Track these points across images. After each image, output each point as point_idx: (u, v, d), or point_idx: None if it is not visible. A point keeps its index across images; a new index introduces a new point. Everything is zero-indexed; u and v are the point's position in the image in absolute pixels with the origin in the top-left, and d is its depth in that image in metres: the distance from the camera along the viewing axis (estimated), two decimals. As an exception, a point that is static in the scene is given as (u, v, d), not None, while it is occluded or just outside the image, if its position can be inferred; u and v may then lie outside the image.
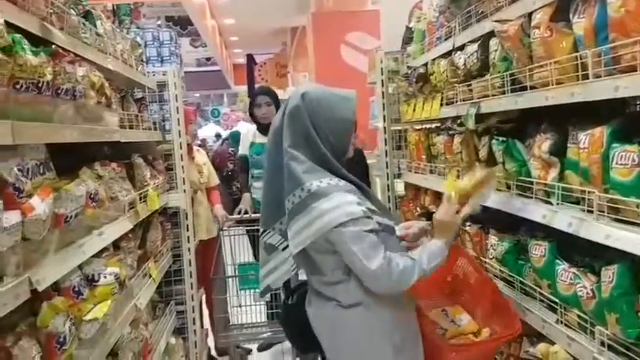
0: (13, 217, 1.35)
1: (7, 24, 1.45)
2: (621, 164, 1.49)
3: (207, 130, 18.06)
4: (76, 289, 1.87)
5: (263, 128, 4.31)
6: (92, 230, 2.07)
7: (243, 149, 4.51)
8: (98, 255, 2.18)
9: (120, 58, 2.73)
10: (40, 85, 1.55)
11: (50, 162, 1.86)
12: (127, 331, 2.49)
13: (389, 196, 3.97)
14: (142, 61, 3.35)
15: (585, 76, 1.64)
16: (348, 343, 1.95)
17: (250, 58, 14.75)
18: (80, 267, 1.99)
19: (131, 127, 2.86)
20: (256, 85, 13.32)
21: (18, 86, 1.41)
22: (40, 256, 1.55)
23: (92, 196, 2.07)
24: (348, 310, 1.94)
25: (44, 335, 1.59)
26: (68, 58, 1.80)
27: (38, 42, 1.69)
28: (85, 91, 2.00)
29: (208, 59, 16.17)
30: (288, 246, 1.94)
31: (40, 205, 1.49)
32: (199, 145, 6.61)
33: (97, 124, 2.14)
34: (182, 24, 11.54)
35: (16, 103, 1.41)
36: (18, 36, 1.41)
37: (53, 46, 1.72)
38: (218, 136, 15.58)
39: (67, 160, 2.17)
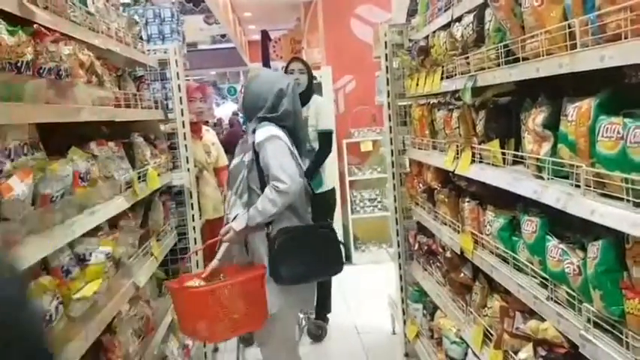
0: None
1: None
2: (606, 137, 1.45)
3: (225, 109, 18.06)
4: (65, 268, 1.89)
5: None
6: (83, 209, 2.08)
7: None
8: (93, 234, 2.20)
9: (114, 37, 2.72)
10: (19, 64, 1.54)
11: (39, 142, 1.87)
12: (126, 308, 2.52)
13: (394, 173, 3.94)
14: (140, 39, 3.33)
15: (574, 47, 1.59)
16: None
17: (265, 35, 14.64)
18: (71, 246, 2.01)
19: (128, 107, 2.85)
20: (271, 62, 13.26)
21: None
22: (23, 235, 1.56)
23: (82, 175, 2.08)
24: None
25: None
26: (51, 37, 1.79)
27: (24, 22, 1.69)
28: (72, 70, 2.00)
29: (223, 36, 16.09)
30: None
31: (18, 185, 1.49)
32: (214, 124, 6.63)
33: (84, 104, 2.13)
34: (195, 1, 11.48)
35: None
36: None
37: (35, 26, 1.71)
38: (236, 114, 15.57)
39: (64, 140, 2.19)
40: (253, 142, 2.69)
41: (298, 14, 13.30)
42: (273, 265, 2.62)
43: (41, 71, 1.72)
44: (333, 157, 4.58)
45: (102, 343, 2.15)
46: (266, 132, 2.70)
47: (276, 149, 2.67)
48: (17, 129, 1.67)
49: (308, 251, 2.69)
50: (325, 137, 4.35)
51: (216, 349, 4.34)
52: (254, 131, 2.73)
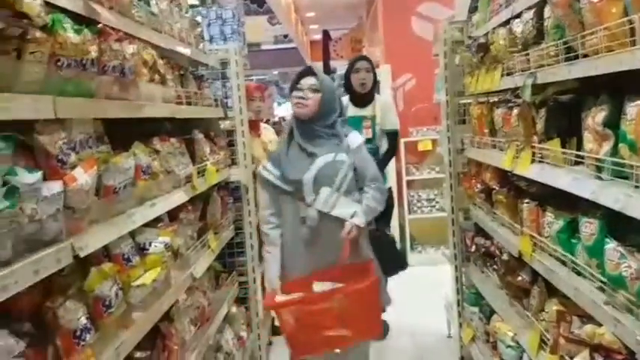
0: (54, 186, 1.44)
1: (52, 5, 1.54)
2: (667, 136, 1.40)
3: (287, 108, 18.22)
4: (126, 256, 1.98)
5: (358, 97, 4.33)
6: (144, 201, 2.16)
7: None
8: (153, 225, 2.29)
9: (177, 37, 2.82)
10: (84, 62, 1.62)
11: (104, 136, 1.97)
12: (183, 297, 2.60)
13: (451, 172, 3.90)
14: (202, 39, 3.43)
15: (634, 43, 1.54)
16: None
17: (326, 34, 14.71)
18: (132, 236, 2.10)
19: (189, 104, 2.95)
20: (331, 62, 13.31)
21: (59, 63, 1.49)
22: (86, 224, 1.65)
23: (144, 168, 2.17)
24: None
25: (92, 298, 1.70)
26: (115, 36, 1.88)
27: (89, 22, 1.78)
28: (136, 69, 2.08)
29: (285, 36, 16.26)
30: None
31: (82, 176, 1.58)
32: (273, 123, 6.70)
33: (148, 101, 2.22)
34: (259, 1, 11.65)
35: (58, 80, 1.50)
36: (58, 15, 1.49)
37: (100, 25, 1.80)
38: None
39: (128, 136, 2.29)
40: (347, 145, 2.84)
41: (360, 13, 13.31)
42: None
43: (106, 69, 1.81)
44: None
45: (159, 329, 2.24)
46: (358, 136, 2.94)
47: (367, 153, 2.96)
48: (83, 123, 1.76)
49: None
50: (393, 137, 4.39)
51: (270, 343, 4.41)
52: (345, 134, 2.88)
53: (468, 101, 3.78)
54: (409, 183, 6.74)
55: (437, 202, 6.64)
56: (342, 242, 2.69)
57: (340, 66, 13.36)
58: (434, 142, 6.52)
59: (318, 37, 16.88)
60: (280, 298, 2.66)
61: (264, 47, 16.71)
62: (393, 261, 3.06)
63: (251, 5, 11.91)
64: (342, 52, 14.15)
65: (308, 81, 2.80)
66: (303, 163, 2.78)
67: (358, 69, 4.28)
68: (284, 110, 17.29)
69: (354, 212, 2.75)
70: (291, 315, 2.51)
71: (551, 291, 2.51)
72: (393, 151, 4.39)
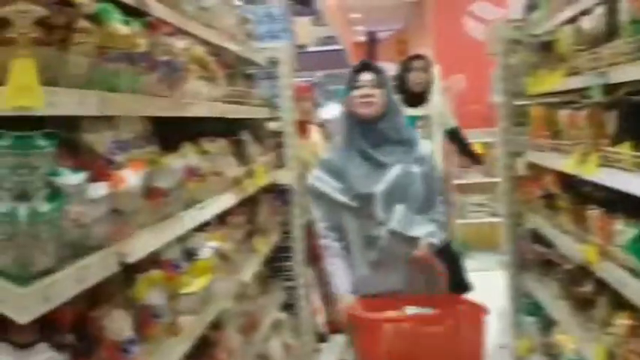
0: (100, 188, 1.35)
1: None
2: None
3: (332, 110, 18.15)
4: (175, 262, 1.89)
5: (412, 97, 4.23)
6: (193, 204, 2.07)
7: None
8: (201, 229, 2.20)
9: (227, 33, 2.73)
10: (132, 55, 1.54)
11: (152, 136, 1.88)
12: (231, 304, 2.51)
13: (507, 176, 3.78)
14: (252, 37, 3.35)
15: None
16: None
17: (371, 36, 14.60)
18: (180, 240, 2.01)
19: (239, 104, 2.86)
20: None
21: (107, 56, 1.40)
22: (133, 228, 1.55)
23: (193, 170, 2.08)
24: None
25: (139, 307, 1.61)
26: (165, 30, 1.79)
27: (138, 14, 1.69)
28: (186, 65, 2.00)
29: (330, 38, 16.19)
30: None
31: (131, 177, 1.49)
32: (319, 125, 6.64)
33: (196, 99, 2.13)
34: (304, 2, 11.59)
35: (105, 74, 1.41)
36: (106, 5, 1.41)
37: (149, 18, 1.71)
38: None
39: (177, 136, 2.20)
40: (419, 153, 2.54)
41: (406, 15, 13.15)
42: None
43: (155, 64, 1.72)
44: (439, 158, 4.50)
45: (207, 338, 2.15)
46: (427, 143, 2.70)
47: (436, 162, 2.72)
48: (131, 121, 1.67)
49: None
50: (455, 135, 4.40)
51: (317, 350, 4.30)
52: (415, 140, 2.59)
53: (526, 103, 3.63)
54: (459, 187, 6.57)
55: (488, 207, 6.47)
56: (416, 263, 2.41)
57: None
58: (485, 144, 6.37)
59: (363, 38, 16.81)
60: (368, 314, 2.37)
61: (308, 49, 16.70)
62: (457, 281, 2.73)
63: (296, 6, 11.86)
64: (388, 54, 14.02)
65: (367, 76, 2.49)
66: (372, 174, 2.44)
67: (415, 68, 4.24)
68: (328, 112, 17.24)
69: (431, 231, 2.43)
70: (395, 334, 2.22)
71: (620, 303, 2.35)
72: (465, 148, 4.36)
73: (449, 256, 2.66)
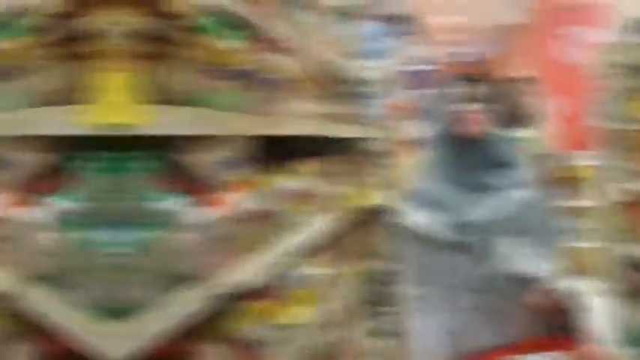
0: (204, 213, 1.26)
1: (203, 8, 1.38)
2: None
3: (425, 130, 17.92)
4: (277, 290, 1.78)
5: (513, 118, 4.15)
6: (296, 227, 1.97)
7: None
8: (303, 254, 2.08)
9: (329, 51, 2.65)
10: (233, 72, 1.45)
11: (256, 155, 1.79)
12: (327, 332, 2.37)
13: (609, 201, 3.53)
14: (353, 55, 3.27)
15: None
16: None
17: (468, 57, 14.27)
18: (283, 265, 1.90)
19: (342, 122, 2.76)
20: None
21: (209, 72, 1.32)
22: (236, 255, 1.45)
23: (298, 192, 1.98)
24: None
25: (238, 341, 1.50)
26: (270, 46, 1.71)
27: (242, 29, 1.62)
28: (286, 82, 1.91)
29: (426, 58, 16.01)
30: None
31: (236, 200, 1.39)
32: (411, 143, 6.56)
33: (295, 117, 2.04)
34: (402, 22, 11.49)
35: (209, 91, 1.33)
36: (210, 18, 1.33)
37: (250, 32, 1.63)
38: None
39: (277, 154, 2.12)
40: (524, 177, 2.31)
41: (501, 38, 12.85)
42: None
43: (259, 81, 1.64)
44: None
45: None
46: (528, 165, 2.50)
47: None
48: (232, 140, 1.58)
49: None
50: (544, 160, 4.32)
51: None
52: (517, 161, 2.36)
53: (630, 127, 3.44)
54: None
55: (583, 232, 6.09)
56: (530, 308, 2.13)
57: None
58: (584, 168, 6.03)
59: (458, 59, 16.48)
60: None
61: (406, 68, 16.61)
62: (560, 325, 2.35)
63: (394, 25, 11.77)
64: (485, 75, 13.65)
65: (471, 89, 2.28)
66: (468, 200, 2.22)
67: (516, 89, 4.06)
68: (418, 130, 16.99)
69: (541, 269, 2.16)
70: None
71: None
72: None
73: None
